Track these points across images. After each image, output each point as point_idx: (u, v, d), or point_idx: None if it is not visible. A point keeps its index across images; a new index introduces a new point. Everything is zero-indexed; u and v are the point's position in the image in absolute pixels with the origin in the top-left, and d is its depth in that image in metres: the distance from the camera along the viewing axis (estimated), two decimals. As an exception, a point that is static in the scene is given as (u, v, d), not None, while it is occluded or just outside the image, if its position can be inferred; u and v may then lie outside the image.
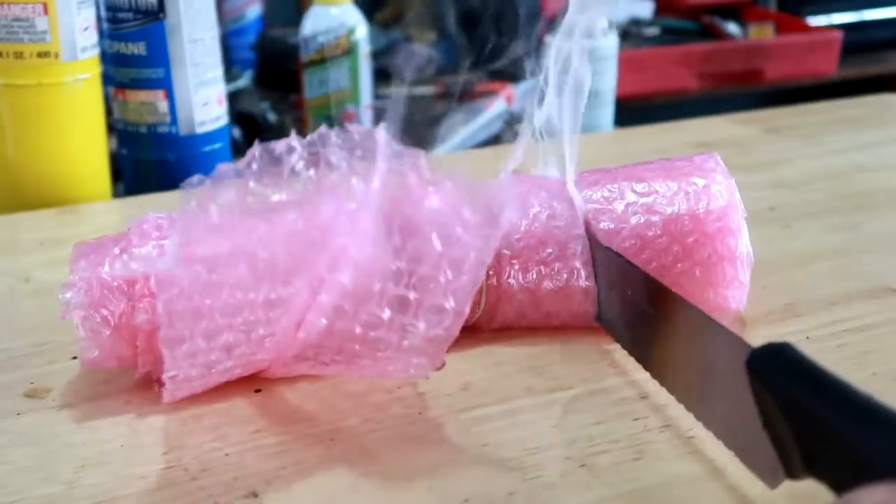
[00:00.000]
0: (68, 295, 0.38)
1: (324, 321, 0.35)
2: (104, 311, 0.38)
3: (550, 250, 0.42)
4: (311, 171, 0.35)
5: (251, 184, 0.35)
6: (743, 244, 0.43)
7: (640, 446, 0.37)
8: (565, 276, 0.43)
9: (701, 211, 0.43)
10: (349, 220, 0.34)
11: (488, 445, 0.37)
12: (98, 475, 0.35)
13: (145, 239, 0.39)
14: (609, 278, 0.42)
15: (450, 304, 0.35)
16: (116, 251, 0.39)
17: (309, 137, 0.36)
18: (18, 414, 0.39)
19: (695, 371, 0.37)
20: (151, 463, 0.36)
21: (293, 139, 0.36)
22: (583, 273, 0.43)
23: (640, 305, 0.40)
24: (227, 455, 0.36)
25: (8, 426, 0.39)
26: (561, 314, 0.43)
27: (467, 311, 0.35)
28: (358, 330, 0.35)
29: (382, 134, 0.36)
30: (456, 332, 0.35)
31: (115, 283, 0.39)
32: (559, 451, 0.36)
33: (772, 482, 0.31)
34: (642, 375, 0.41)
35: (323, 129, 0.37)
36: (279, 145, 0.36)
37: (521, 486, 0.34)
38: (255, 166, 0.35)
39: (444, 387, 0.40)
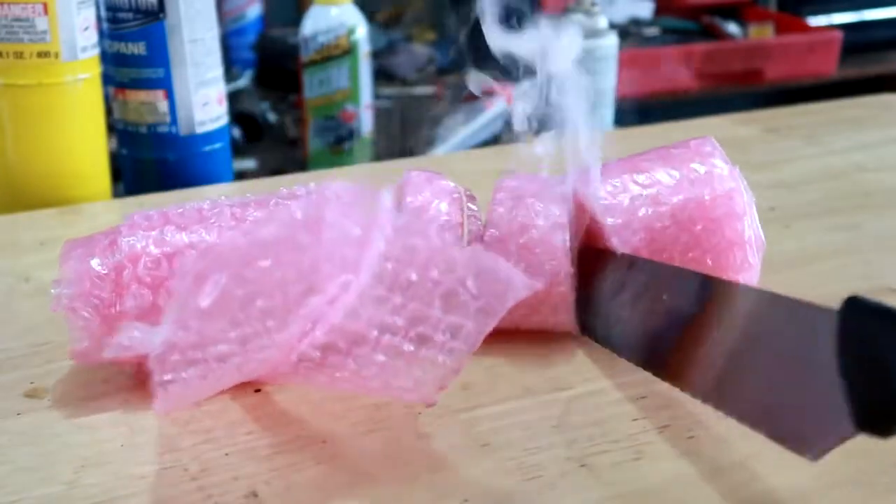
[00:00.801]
0: (59, 289, 0.39)
1: (318, 354, 0.35)
2: (93, 301, 0.39)
3: (532, 234, 0.42)
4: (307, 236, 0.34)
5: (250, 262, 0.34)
6: (750, 227, 0.43)
7: (640, 446, 0.37)
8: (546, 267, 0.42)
9: (707, 198, 0.43)
10: (347, 266, 0.34)
11: (488, 445, 0.37)
12: (98, 475, 0.35)
13: (135, 229, 0.40)
14: (626, 289, 0.42)
15: (445, 360, 0.35)
16: (106, 242, 0.40)
17: (306, 188, 0.37)
18: (18, 414, 0.39)
19: (732, 353, 0.36)
20: (151, 463, 0.36)
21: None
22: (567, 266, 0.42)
23: (679, 307, 0.40)
24: (226, 455, 0.36)
25: (8, 426, 0.39)
26: (542, 309, 0.43)
27: (462, 367, 0.35)
28: (351, 365, 0.35)
29: (387, 198, 0.35)
30: (447, 384, 0.35)
31: (104, 272, 0.39)
32: (559, 451, 0.36)
33: (819, 451, 0.31)
34: (642, 375, 0.41)
35: (317, 186, 0.37)
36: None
37: (521, 486, 0.34)
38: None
39: (444, 387, 0.40)
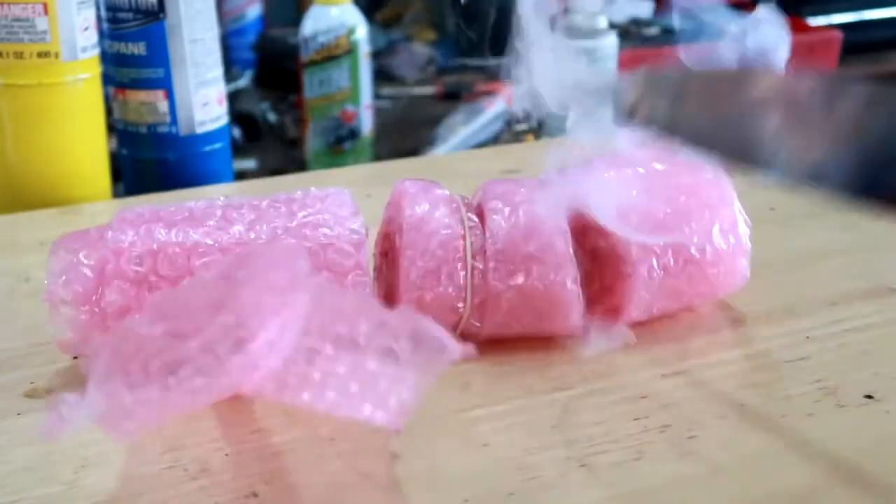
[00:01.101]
0: (47, 282, 0.39)
1: (272, 385, 0.35)
2: (77, 293, 0.39)
3: (535, 246, 0.41)
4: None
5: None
6: (739, 210, 0.45)
7: (640, 446, 0.37)
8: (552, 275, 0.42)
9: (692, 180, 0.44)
10: (273, 312, 0.34)
11: (488, 445, 0.37)
12: (98, 475, 0.35)
13: (123, 224, 0.40)
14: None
15: (394, 398, 0.34)
16: (96, 236, 0.40)
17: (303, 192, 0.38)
18: (18, 414, 0.39)
19: None
20: (151, 463, 0.36)
21: None
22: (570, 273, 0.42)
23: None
24: (227, 455, 0.36)
25: (8, 426, 0.39)
26: (550, 310, 0.42)
27: (415, 400, 0.34)
28: (306, 397, 0.35)
29: (304, 261, 0.35)
30: (405, 416, 0.34)
31: (89, 263, 0.39)
32: (559, 451, 0.36)
33: None
34: (642, 375, 0.41)
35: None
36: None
37: (521, 486, 0.34)
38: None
39: (444, 387, 0.40)
